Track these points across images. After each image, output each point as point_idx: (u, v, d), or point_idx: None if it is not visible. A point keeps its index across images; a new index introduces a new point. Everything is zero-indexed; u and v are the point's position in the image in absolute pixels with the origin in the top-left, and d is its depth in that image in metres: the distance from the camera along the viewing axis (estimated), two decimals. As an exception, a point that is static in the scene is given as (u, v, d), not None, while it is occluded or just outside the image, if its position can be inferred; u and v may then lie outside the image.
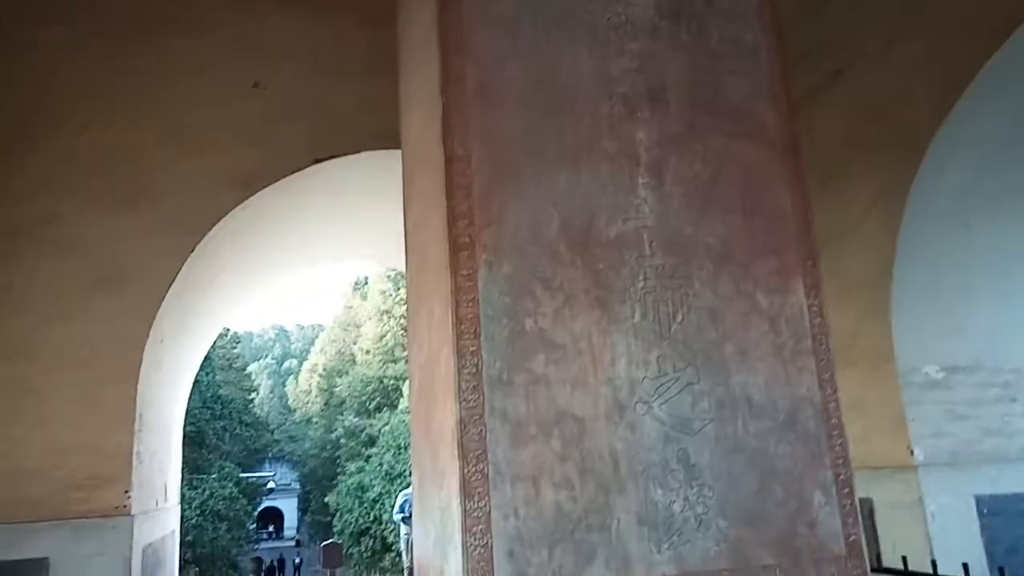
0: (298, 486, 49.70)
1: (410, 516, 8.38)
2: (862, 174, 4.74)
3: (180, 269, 4.89)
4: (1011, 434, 4.67)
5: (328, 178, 5.47)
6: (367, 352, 37.75)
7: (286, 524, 50.73)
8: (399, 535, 11.62)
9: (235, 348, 43.77)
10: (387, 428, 28.39)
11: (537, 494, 1.96)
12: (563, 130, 2.28)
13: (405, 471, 23.04)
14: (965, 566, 2.84)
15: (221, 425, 32.17)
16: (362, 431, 32.66)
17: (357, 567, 24.93)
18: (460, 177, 2.16)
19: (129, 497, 4.53)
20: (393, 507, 12.33)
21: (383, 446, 27.84)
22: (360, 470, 28.11)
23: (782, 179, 2.45)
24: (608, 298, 2.17)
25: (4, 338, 4.52)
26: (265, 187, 5.11)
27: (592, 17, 2.41)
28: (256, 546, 34.42)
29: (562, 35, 2.37)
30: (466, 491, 1.91)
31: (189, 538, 22.94)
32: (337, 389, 39.70)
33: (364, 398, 35.13)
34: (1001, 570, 2.77)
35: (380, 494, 24.99)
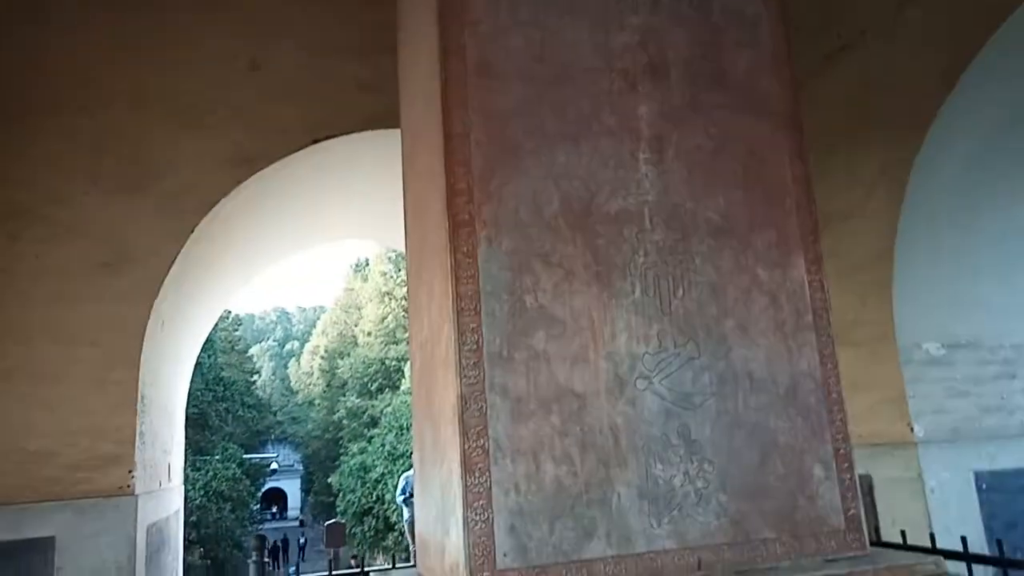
0: (301, 467, 50.08)
1: (412, 497, 8.44)
2: (867, 150, 4.71)
3: (180, 251, 4.88)
4: (1011, 410, 4.68)
5: (327, 158, 5.44)
6: (368, 334, 37.86)
7: (289, 505, 51.17)
8: (402, 516, 11.71)
9: (237, 330, 43.88)
10: (389, 409, 28.54)
11: (538, 469, 1.97)
12: (563, 105, 2.26)
13: (407, 451, 23.17)
14: (964, 540, 2.86)
15: (224, 407, 32.36)
16: (364, 412, 32.84)
17: (360, 546, 25.15)
18: (459, 153, 2.15)
19: (133, 477, 4.56)
20: (396, 488, 12.42)
21: (385, 427, 28.01)
22: (362, 451, 28.31)
23: (784, 153, 2.43)
24: (608, 274, 2.16)
25: (7, 321, 4.53)
26: (264, 168, 5.09)
27: (592, -10, 2.38)
28: (260, 526, 34.73)
29: (562, 9, 2.34)
30: (467, 466, 1.92)
31: (193, 518, 23.16)
32: (339, 371, 39.86)
33: (366, 379, 35.29)
34: (999, 543, 2.78)
35: (383, 474, 25.17)
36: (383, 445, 26.61)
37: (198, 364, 8.18)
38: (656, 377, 2.13)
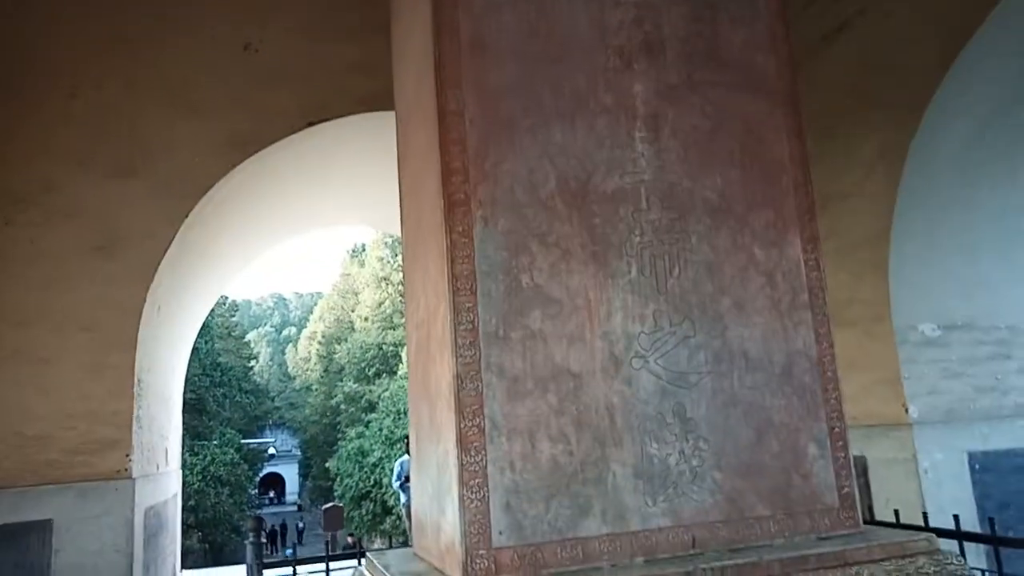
0: (299, 452, 50.23)
1: (408, 482, 8.46)
2: (865, 131, 4.70)
3: (176, 235, 4.86)
4: (1005, 391, 4.71)
5: (322, 141, 5.41)
6: (366, 319, 37.87)
7: (288, 490, 51.37)
8: (399, 500, 11.77)
9: (233, 316, 43.85)
10: (387, 394, 28.61)
11: (533, 448, 1.97)
12: (559, 83, 2.24)
13: (405, 436, 23.23)
14: (956, 518, 2.88)
15: (221, 392, 32.41)
16: (362, 397, 32.91)
17: (358, 530, 25.30)
18: (454, 132, 2.13)
19: (130, 460, 4.57)
20: (392, 473, 12.47)
21: (383, 411, 28.09)
22: (360, 435, 28.40)
23: (781, 131, 2.42)
24: (604, 253, 2.16)
25: (5, 304, 4.52)
26: (258, 151, 5.06)
27: (588, -33, 2.35)
28: (258, 511, 34.89)
29: (557, -15, 2.31)
30: (463, 445, 1.92)
31: (191, 503, 23.26)
32: (336, 356, 39.90)
33: (363, 365, 35.34)
34: (991, 521, 2.80)
35: (380, 459, 25.28)
36: (381, 430, 26.70)
37: (195, 350, 8.18)
38: (652, 356, 2.13)
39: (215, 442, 28.70)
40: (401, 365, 28.79)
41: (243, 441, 33.71)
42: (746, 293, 2.26)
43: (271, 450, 46.74)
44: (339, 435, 33.91)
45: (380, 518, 25.49)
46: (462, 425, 1.93)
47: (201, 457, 26.66)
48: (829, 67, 4.86)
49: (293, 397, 52.03)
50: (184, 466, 7.45)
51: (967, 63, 4.18)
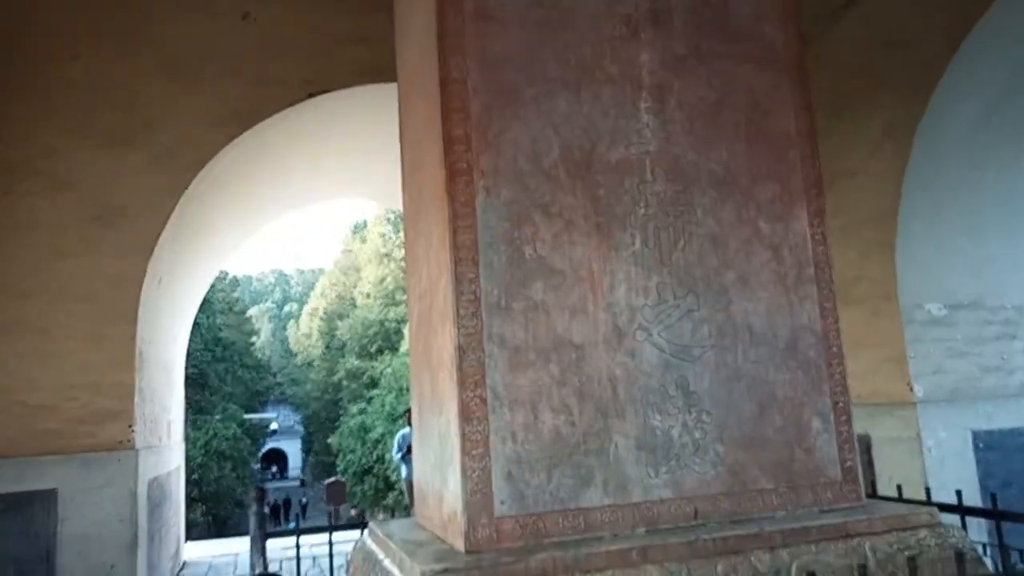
0: (301, 428, 50.51)
1: (408, 454, 8.49)
2: (873, 109, 4.64)
3: (176, 206, 4.84)
4: (1011, 371, 4.70)
5: (322, 114, 5.36)
6: (367, 295, 37.87)
7: (290, 465, 51.75)
8: (400, 475, 11.83)
9: (234, 292, 43.87)
10: (389, 370, 28.67)
11: (536, 418, 1.97)
12: (564, 52, 2.20)
13: (407, 410, 23.31)
14: (958, 493, 2.88)
15: (223, 367, 32.51)
16: (364, 373, 33.00)
17: (360, 505, 25.52)
18: (457, 100, 2.09)
19: (133, 432, 4.59)
20: (393, 445, 12.53)
21: (385, 387, 28.18)
22: (362, 411, 28.52)
23: (788, 104, 2.38)
24: (608, 225, 2.13)
25: (6, 275, 4.51)
26: (259, 122, 5.02)
27: (595, -68, 2.30)
28: (261, 486, 35.13)
29: (563, -48, 2.26)
30: (464, 415, 1.91)
31: (195, 476, 23.43)
32: (338, 332, 39.95)
33: (365, 341, 35.38)
34: (993, 496, 2.80)
35: (383, 434, 25.42)
36: (383, 406, 26.81)
37: (196, 324, 8.18)
38: (655, 328, 2.11)
39: (217, 417, 28.85)
40: (403, 342, 28.84)
41: (245, 416, 33.89)
42: (751, 267, 2.23)
43: (273, 426, 47.03)
44: (341, 411, 34.07)
45: (383, 493, 25.70)
46: (464, 396, 1.92)
47: (204, 431, 26.82)
48: (837, 46, 4.79)
49: (295, 373, 52.20)
50: (187, 440, 7.48)
51: (975, 46, 4.12)
